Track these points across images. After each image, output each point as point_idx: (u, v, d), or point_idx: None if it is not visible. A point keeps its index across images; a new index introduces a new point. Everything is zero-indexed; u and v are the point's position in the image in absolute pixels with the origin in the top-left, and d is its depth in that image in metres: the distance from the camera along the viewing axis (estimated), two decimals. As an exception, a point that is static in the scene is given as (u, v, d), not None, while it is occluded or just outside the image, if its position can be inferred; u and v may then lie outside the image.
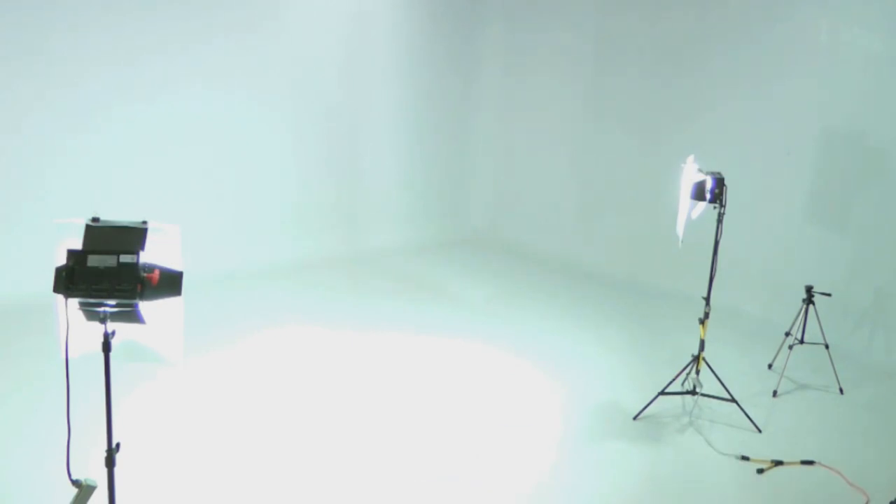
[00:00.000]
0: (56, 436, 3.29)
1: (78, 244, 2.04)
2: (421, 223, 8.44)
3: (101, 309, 2.05)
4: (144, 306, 2.06)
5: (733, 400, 4.19)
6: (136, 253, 2.02)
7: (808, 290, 4.75)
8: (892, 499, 3.42)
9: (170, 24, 6.03)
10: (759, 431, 4.09)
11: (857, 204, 5.67)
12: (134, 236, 2.07)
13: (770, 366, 5.09)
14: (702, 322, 4.17)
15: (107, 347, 2.13)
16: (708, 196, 4.03)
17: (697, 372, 4.22)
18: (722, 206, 4.02)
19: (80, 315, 2.08)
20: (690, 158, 4.15)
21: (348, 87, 7.50)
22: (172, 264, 2.11)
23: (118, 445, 2.28)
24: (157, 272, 2.04)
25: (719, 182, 4.00)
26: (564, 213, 8.13)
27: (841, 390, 4.74)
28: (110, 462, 2.26)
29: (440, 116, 8.52)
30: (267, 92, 6.83)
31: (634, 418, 4.17)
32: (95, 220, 2.09)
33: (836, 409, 4.51)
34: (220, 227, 6.58)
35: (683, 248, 4.25)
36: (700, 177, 4.07)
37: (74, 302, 2.04)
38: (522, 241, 8.35)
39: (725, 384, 4.28)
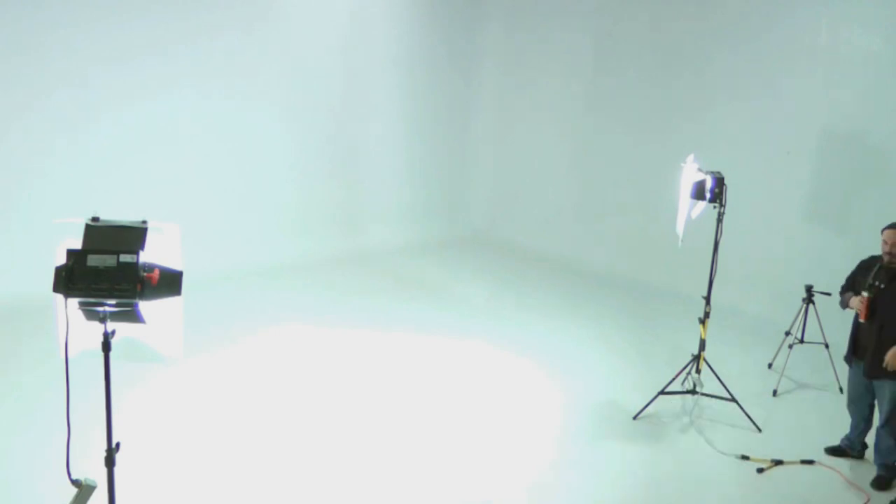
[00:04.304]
0: (56, 436, 3.29)
1: (78, 244, 2.03)
2: (421, 223, 8.43)
3: (101, 308, 2.05)
4: (144, 306, 2.06)
5: (733, 399, 4.19)
6: (136, 252, 2.02)
7: (808, 289, 4.75)
8: (893, 499, 3.43)
9: (169, 23, 6.03)
10: (759, 431, 4.09)
11: (857, 204, 5.67)
12: (134, 236, 2.06)
13: (770, 365, 5.09)
14: (702, 322, 4.17)
15: (107, 347, 2.13)
16: (708, 195, 4.02)
17: (698, 371, 4.22)
18: (722, 205, 4.02)
19: (80, 314, 2.08)
20: (690, 158, 4.15)
21: (348, 87, 7.50)
22: (172, 264, 2.10)
23: (118, 445, 2.27)
24: (156, 272, 2.04)
25: (719, 181, 4.00)
26: (564, 213, 8.12)
27: (841, 389, 4.73)
28: (110, 462, 2.26)
29: (440, 116, 8.52)
30: (267, 91, 6.83)
31: (634, 418, 4.17)
32: (95, 219, 2.09)
33: (836, 409, 4.49)
34: (221, 226, 6.57)
35: (683, 248, 4.25)
36: (700, 176, 4.07)
37: (74, 301, 2.03)
38: (522, 241, 8.34)
39: (725, 384, 4.27)
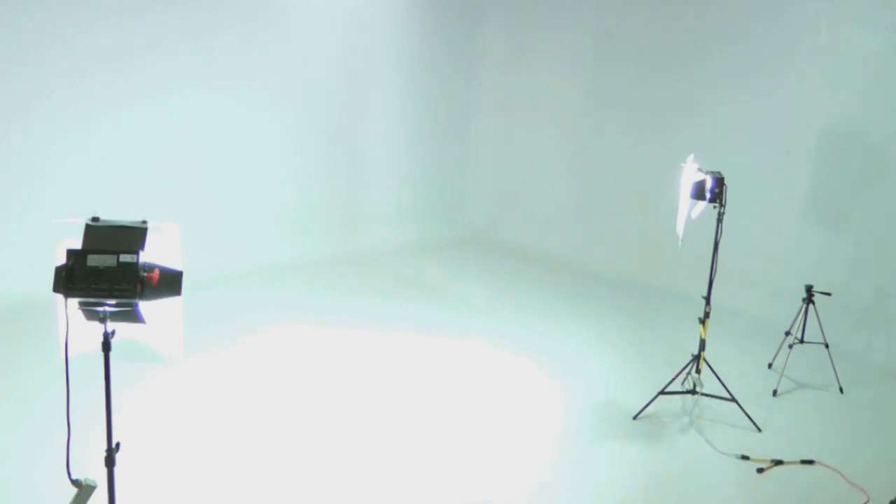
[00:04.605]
0: (56, 436, 3.29)
1: (78, 244, 2.03)
2: (421, 223, 8.44)
3: (101, 308, 2.05)
4: (144, 306, 2.06)
5: (733, 399, 4.19)
6: (136, 252, 2.02)
7: (808, 289, 4.75)
8: (892, 498, 3.42)
9: (169, 22, 6.03)
10: (759, 431, 4.09)
11: (857, 204, 5.67)
12: (134, 236, 2.07)
13: (770, 365, 5.09)
14: (702, 322, 4.17)
15: (107, 347, 2.13)
16: (708, 195, 4.02)
17: (698, 371, 4.22)
18: (722, 205, 4.02)
19: (80, 315, 2.08)
20: (690, 157, 4.15)
21: (349, 86, 7.50)
22: (172, 264, 2.11)
23: (118, 445, 2.27)
24: (156, 272, 2.04)
25: (719, 181, 4.00)
26: (564, 213, 8.13)
27: (841, 390, 4.74)
28: (110, 462, 2.26)
29: (440, 116, 8.52)
30: (267, 91, 6.83)
31: (634, 418, 4.17)
32: (95, 219, 2.09)
33: (836, 409, 4.51)
34: (221, 226, 6.57)
35: (683, 248, 4.25)
36: (700, 176, 4.07)
37: (74, 302, 2.04)
38: (522, 241, 8.35)
39: (725, 384, 4.28)
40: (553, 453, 3.77)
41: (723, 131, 6.52)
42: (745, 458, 3.76)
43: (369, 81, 7.67)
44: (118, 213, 2.26)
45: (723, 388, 4.26)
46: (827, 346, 4.79)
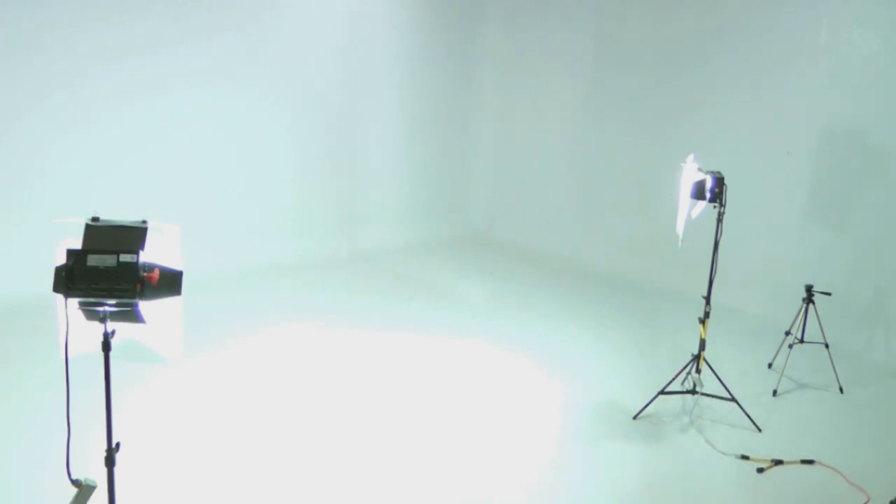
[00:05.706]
0: (56, 436, 3.29)
1: (78, 244, 2.03)
2: (421, 223, 8.43)
3: (101, 308, 2.05)
4: (144, 306, 2.06)
5: (733, 399, 4.19)
6: (136, 252, 2.02)
7: (808, 289, 4.75)
8: (892, 498, 3.42)
9: (169, 22, 6.03)
10: (759, 431, 4.09)
11: (857, 204, 5.67)
12: (134, 236, 2.07)
13: (770, 365, 5.09)
14: (702, 321, 4.17)
15: (107, 347, 2.13)
16: (708, 195, 4.03)
17: (698, 371, 4.22)
18: (722, 205, 4.02)
19: (80, 315, 2.08)
20: (690, 157, 4.15)
21: (348, 87, 7.50)
22: (172, 264, 2.11)
23: (118, 445, 2.27)
24: (156, 272, 2.04)
25: (719, 181, 4.00)
26: (564, 213, 8.13)
27: (841, 390, 4.74)
28: (110, 462, 2.26)
29: (440, 116, 8.52)
30: (267, 91, 6.83)
31: (634, 418, 4.17)
32: (95, 219, 2.09)
33: (836, 409, 4.51)
34: (221, 226, 6.57)
35: (683, 248, 4.25)
36: (700, 176, 4.07)
37: (74, 302, 2.04)
38: (522, 240, 8.35)
39: (725, 383, 4.28)
40: (553, 453, 3.77)
41: (723, 131, 6.52)
42: (745, 458, 3.76)
43: (369, 82, 7.67)
44: (118, 213, 2.26)
45: (723, 388, 4.26)
46: (827, 346, 4.79)
